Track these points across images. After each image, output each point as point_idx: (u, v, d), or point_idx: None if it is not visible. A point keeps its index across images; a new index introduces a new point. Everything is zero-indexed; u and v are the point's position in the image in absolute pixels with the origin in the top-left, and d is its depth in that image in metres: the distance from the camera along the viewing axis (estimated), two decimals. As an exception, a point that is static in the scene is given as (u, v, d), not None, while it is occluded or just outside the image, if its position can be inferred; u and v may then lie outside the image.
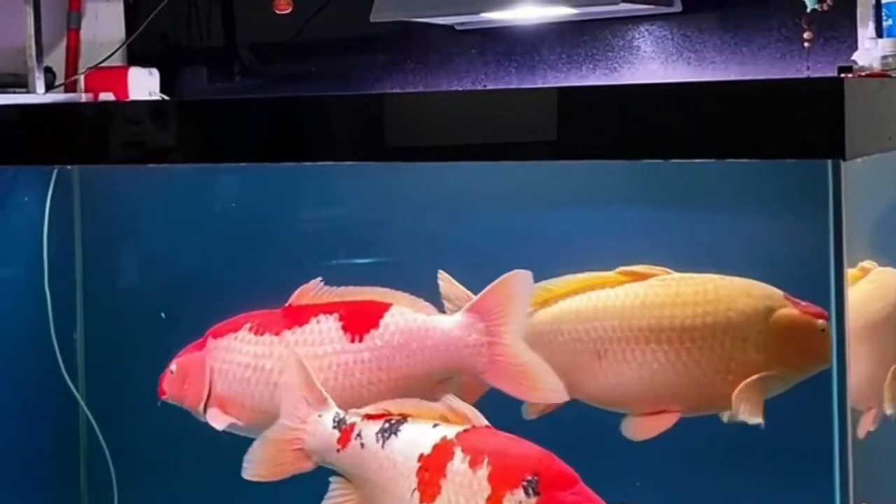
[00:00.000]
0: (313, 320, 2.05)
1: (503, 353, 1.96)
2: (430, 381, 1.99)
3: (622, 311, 1.97)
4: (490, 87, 2.63)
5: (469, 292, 2.04)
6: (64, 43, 3.01)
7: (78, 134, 2.22)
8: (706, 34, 2.45)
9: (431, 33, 2.68)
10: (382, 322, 2.02)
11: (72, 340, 2.45)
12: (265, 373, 2.06)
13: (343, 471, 1.91)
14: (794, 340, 1.89)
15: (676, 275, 1.97)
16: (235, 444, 2.51)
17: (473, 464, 1.75)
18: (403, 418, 1.86)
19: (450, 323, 2.00)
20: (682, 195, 2.11)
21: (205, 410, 2.13)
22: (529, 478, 1.71)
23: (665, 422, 1.94)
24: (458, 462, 1.77)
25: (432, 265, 2.09)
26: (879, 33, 2.13)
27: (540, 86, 2.55)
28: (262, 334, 2.08)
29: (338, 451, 1.90)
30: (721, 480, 2.15)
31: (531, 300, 2.00)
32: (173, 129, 2.14)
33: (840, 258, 1.65)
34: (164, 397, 2.17)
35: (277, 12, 2.73)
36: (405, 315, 2.03)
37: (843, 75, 2.04)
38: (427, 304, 2.05)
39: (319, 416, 1.93)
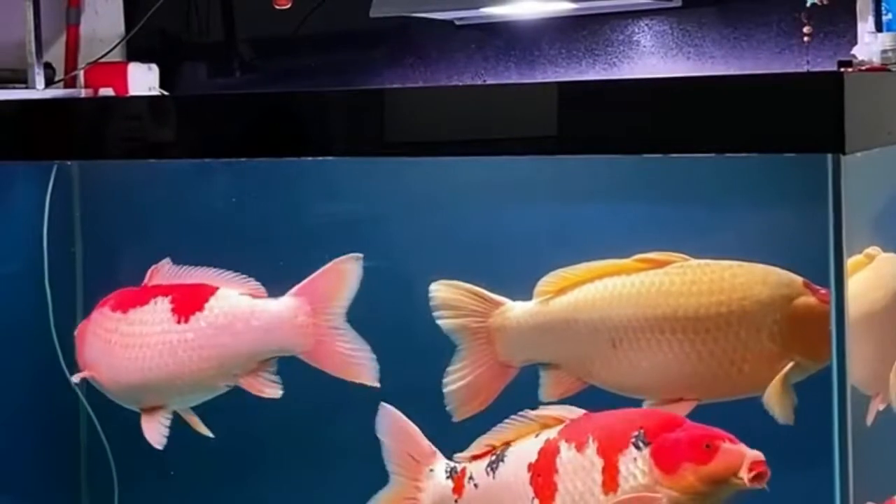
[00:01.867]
0: (152, 301, 2.21)
1: (327, 335, 2.10)
2: (255, 360, 2.15)
3: (637, 299, 1.96)
4: (490, 82, 2.62)
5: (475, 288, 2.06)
6: (63, 38, 3.01)
7: (77, 129, 2.22)
8: (706, 29, 2.45)
9: (431, 28, 2.68)
10: (208, 305, 2.16)
11: (72, 337, 2.44)
12: (110, 346, 2.22)
13: None
14: (810, 329, 1.87)
15: (694, 262, 1.95)
16: (237, 445, 2.52)
17: (580, 447, 1.80)
18: (507, 445, 1.89)
19: (277, 305, 2.14)
20: (680, 190, 2.11)
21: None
22: (635, 433, 1.76)
23: (682, 409, 1.94)
24: (566, 452, 1.81)
25: (432, 262, 2.09)
26: (879, 27, 2.13)
27: (539, 81, 2.55)
28: (115, 311, 2.24)
29: (455, 501, 1.92)
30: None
31: (547, 288, 2.02)
32: (173, 125, 2.14)
33: (840, 252, 1.65)
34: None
35: (277, 7, 2.73)
36: (231, 298, 2.17)
37: (842, 70, 2.04)
38: (259, 286, 2.17)
39: (431, 470, 1.95)
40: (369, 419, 2.23)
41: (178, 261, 2.27)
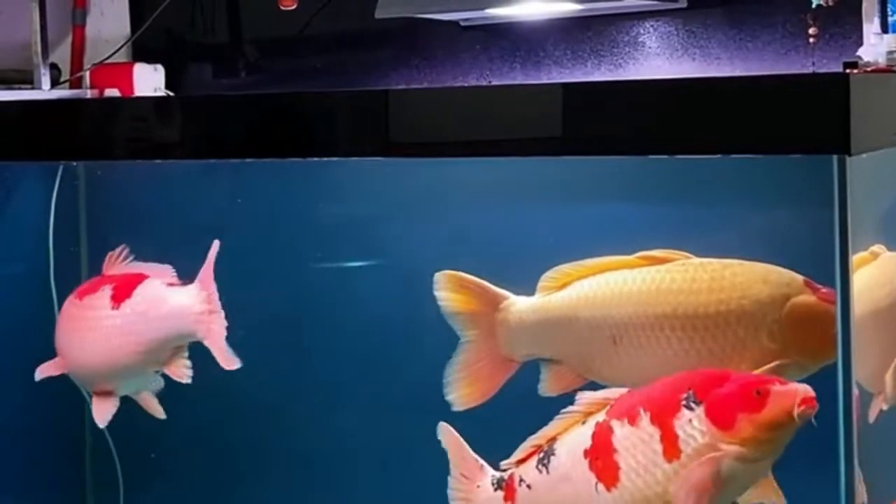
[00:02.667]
0: (101, 288, 2.30)
1: (218, 322, 2.19)
2: (169, 346, 2.23)
3: (638, 296, 1.96)
4: (495, 83, 2.62)
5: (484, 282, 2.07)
6: (69, 39, 3.01)
7: (83, 130, 2.23)
8: (711, 30, 2.45)
9: (436, 29, 2.68)
10: (135, 292, 2.26)
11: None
12: (68, 331, 2.32)
13: None
14: (809, 329, 1.86)
15: (696, 260, 1.95)
16: (239, 445, 2.52)
17: (633, 422, 1.78)
18: (552, 440, 1.88)
19: (183, 293, 2.23)
20: (687, 190, 2.11)
21: None
22: (685, 395, 1.75)
23: None
24: (620, 430, 1.80)
25: (437, 262, 2.09)
26: (885, 29, 2.13)
27: (545, 82, 2.55)
28: (77, 298, 2.32)
29: None
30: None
31: (549, 283, 2.03)
32: (178, 126, 2.14)
33: (845, 253, 1.65)
34: None
35: (282, 8, 2.73)
36: (153, 286, 2.26)
37: (848, 71, 2.04)
38: (174, 275, 2.26)
39: (478, 486, 1.94)
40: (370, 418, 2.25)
41: (184, 260, 2.27)
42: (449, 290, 2.08)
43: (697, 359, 1.91)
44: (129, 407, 2.36)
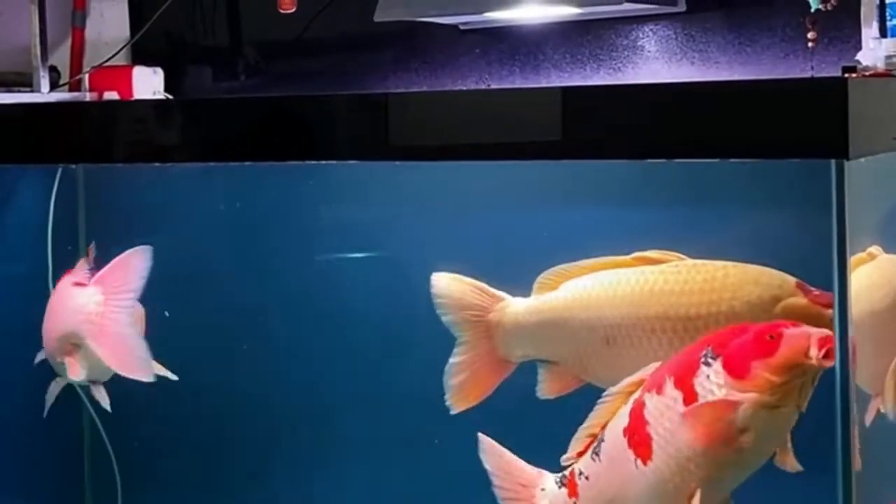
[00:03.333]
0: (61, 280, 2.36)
1: (104, 324, 2.24)
2: (66, 341, 2.29)
3: (632, 297, 1.97)
4: (494, 86, 2.63)
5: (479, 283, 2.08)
6: (68, 42, 3.01)
7: (82, 133, 2.23)
8: (710, 34, 2.45)
9: (435, 33, 2.68)
10: (55, 289, 2.35)
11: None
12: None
13: None
14: None
15: (689, 261, 1.96)
16: (238, 445, 2.52)
17: (660, 391, 1.77)
18: (602, 427, 1.87)
19: (80, 294, 2.28)
20: (684, 194, 2.11)
21: None
22: (704, 352, 1.73)
23: None
24: (650, 401, 1.78)
25: (434, 264, 2.10)
26: (883, 33, 2.13)
27: (544, 85, 2.55)
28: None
29: (574, 502, 1.90)
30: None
31: (545, 284, 2.04)
32: (177, 128, 2.14)
33: (843, 257, 1.65)
34: None
35: (282, 11, 2.73)
36: (62, 284, 2.34)
37: (846, 75, 2.04)
38: (87, 275, 2.30)
39: (542, 489, 1.93)
40: (372, 419, 2.25)
41: (183, 263, 2.27)
42: (445, 292, 2.09)
43: None
44: (129, 407, 2.37)
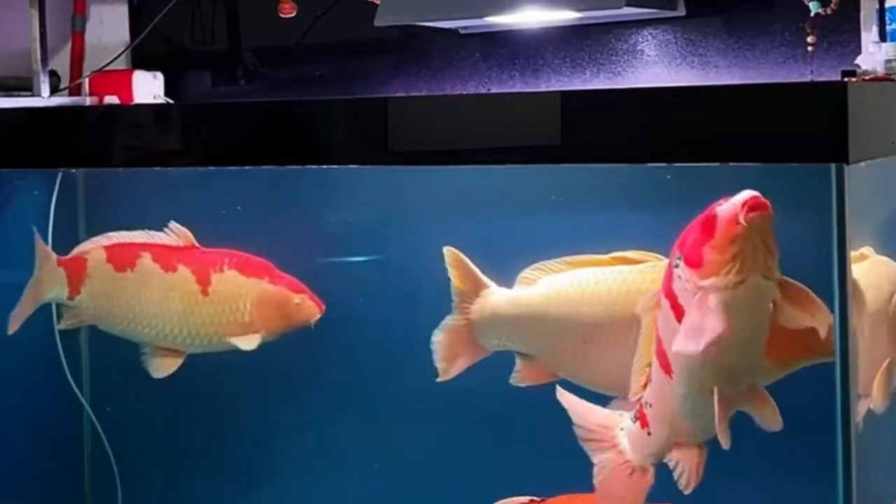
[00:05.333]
0: None
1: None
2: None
3: (608, 296, 1.98)
4: (494, 90, 2.63)
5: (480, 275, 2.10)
6: (69, 46, 3.01)
7: (82, 137, 2.23)
8: (710, 38, 2.46)
9: (435, 37, 2.68)
10: None
11: (76, 343, 2.44)
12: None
13: None
14: (774, 333, 1.87)
15: (666, 261, 1.97)
16: (238, 445, 2.52)
17: (659, 306, 1.81)
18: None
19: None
20: (684, 197, 2.11)
21: None
22: (676, 257, 1.75)
23: None
24: (659, 319, 1.82)
25: (433, 266, 2.10)
26: (883, 37, 2.14)
27: (543, 90, 2.55)
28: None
29: (648, 434, 1.90)
30: (722, 467, 2.15)
31: (526, 279, 2.07)
32: (177, 133, 2.14)
33: (843, 261, 1.65)
34: None
35: (282, 16, 2.74)
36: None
37: (846, 79, 2.05)
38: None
39: (622, 429, 1.93)
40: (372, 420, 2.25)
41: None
42: (450, 266, 2.12)
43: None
44: (128, 408, 2.37)
